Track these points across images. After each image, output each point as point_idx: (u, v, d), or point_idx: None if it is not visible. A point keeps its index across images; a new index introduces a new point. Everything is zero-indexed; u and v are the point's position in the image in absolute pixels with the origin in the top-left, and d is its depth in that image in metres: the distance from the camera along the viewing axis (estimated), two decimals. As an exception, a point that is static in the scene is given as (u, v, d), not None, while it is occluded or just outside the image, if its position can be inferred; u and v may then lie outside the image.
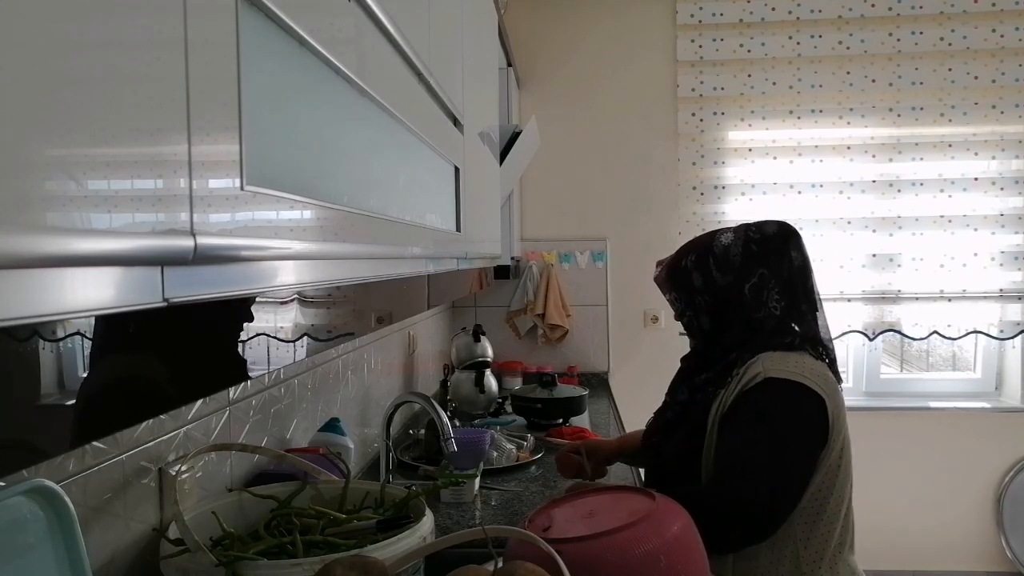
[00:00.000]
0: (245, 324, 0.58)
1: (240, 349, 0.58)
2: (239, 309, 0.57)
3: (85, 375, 0.43)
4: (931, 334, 3.25)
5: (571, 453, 1.72)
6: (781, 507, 1.27)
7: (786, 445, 1.28)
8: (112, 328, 0.42)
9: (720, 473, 1.30)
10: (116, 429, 0.52)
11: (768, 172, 3.28)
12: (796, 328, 1.41)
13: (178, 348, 0.49)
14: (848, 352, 3.46)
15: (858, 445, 3.37)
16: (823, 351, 1.43)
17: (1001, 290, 3.21)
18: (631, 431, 1.82)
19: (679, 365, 1.59)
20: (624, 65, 3.35)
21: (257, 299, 0.58)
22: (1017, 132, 3.18)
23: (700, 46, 3.28)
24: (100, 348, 0.43)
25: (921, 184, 3.22)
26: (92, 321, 0.42)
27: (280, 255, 0.52)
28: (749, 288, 1.42)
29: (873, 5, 3.19)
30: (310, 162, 0.56)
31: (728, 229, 1.49)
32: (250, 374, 0.63)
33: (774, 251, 1.43)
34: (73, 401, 0.43)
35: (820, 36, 3.22)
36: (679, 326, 1.59)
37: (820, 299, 1.47)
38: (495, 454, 2.05)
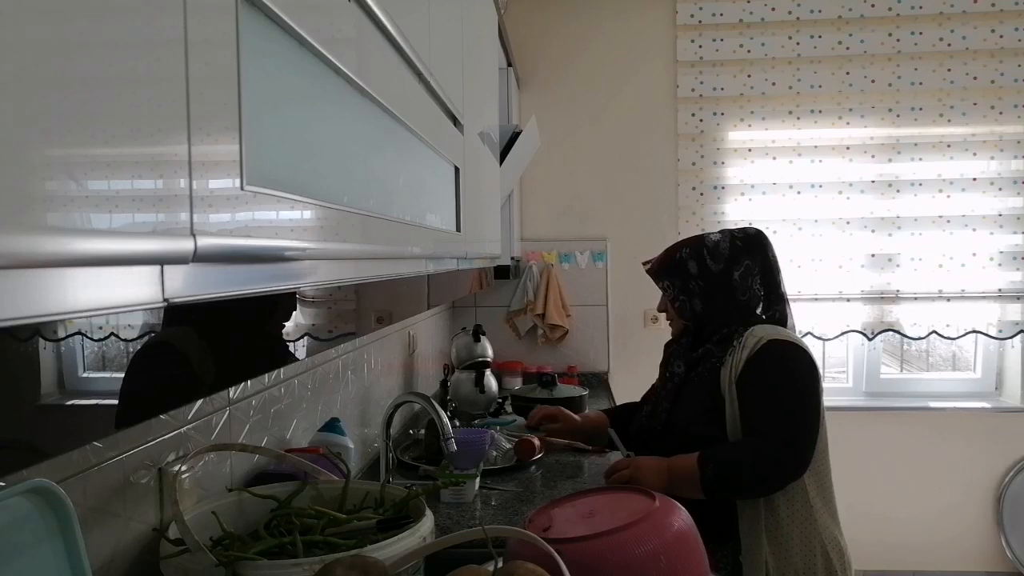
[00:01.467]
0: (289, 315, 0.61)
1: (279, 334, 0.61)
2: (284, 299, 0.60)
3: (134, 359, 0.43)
4: (930, 334, 3.25)
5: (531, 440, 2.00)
6: (809, 448, 1.52)
7: (804, 390, 1.55)
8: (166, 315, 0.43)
9: (761, 424, 1.52)
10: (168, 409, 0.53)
11: (768, 172, 3.28)
12: (773, 308, 1.69)
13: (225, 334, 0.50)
14: (848, 352, 3.45)
15: (858, 445, 3.37)
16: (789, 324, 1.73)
17: (1000, 290, 3.21)
18: (590, 413, 2.03)
19: (663, 352, 1.83)
20: (624, 65, 3.35)
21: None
22: (1016, 132, 3.18)
23: (700, 46, 3.28)
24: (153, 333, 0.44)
25: (920, 184, 3.22)
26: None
27: (280, 255, 0.52)
28: (738, 275, 1.68)
29: (873, 5, 3.19)
30: (310, 162, 0.56)
31: (714, 232, 1.75)
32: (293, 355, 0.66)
33: (755, 247, 1.71)
34: (75, 401, 0.43)
35: (820, 36, 3.22)
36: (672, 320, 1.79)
37: (788, 298, 1.74)
38: (495, 454, 2.05)
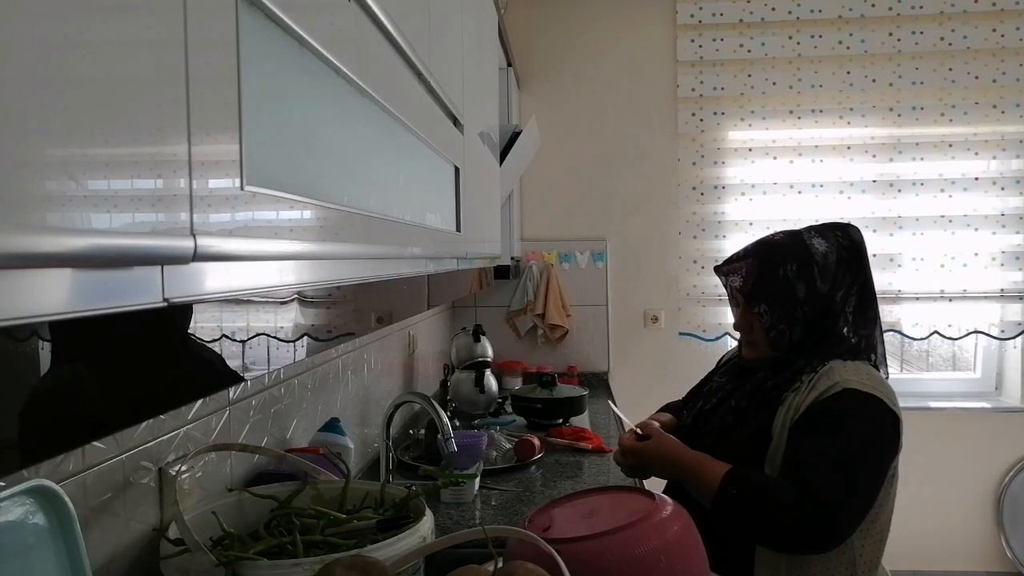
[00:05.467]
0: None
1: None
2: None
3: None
4: (931, 334, 3.25)
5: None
6: (852, 522, 1.28)
7: (866, 460, 1.29)
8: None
9: (798, 478, 1.25)
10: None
11: (768, 172, 3.28)
12: (860, 333, 1.41)
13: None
14: (848, 352, 3.45)
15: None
16: (875, 358, 1.44)
17: (1002, 290, 3.21)
18: (661, 417, 1.66)
19: (719, 363, 1.62)
20: (624, 65, 3.35)
21: (256, 299, 0.58)
22: (1018, 132, 3.18)
23: (700, 46, 3.28)
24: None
25: (921, 184, 3.22)
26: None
27: (280, 255, 0.52)
28: (840, 296, 1.40)
29: (873, 5, 3.19)
30: (310, 162, 0.56)
31: (812, 233, 1.44)
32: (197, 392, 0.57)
33: (858, 258, 1.42)
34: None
35: (820, 36, 3.22)
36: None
37: (880, 319, 1.46)
38: (495, 454, 2.05)
